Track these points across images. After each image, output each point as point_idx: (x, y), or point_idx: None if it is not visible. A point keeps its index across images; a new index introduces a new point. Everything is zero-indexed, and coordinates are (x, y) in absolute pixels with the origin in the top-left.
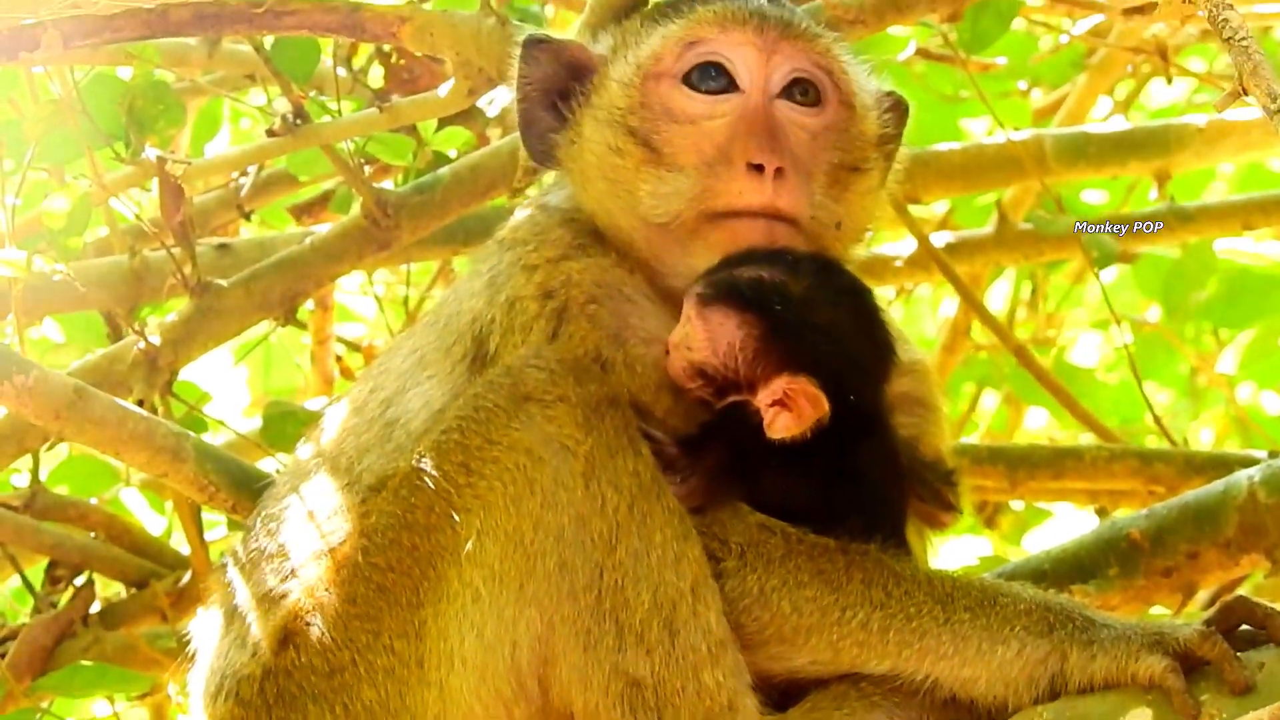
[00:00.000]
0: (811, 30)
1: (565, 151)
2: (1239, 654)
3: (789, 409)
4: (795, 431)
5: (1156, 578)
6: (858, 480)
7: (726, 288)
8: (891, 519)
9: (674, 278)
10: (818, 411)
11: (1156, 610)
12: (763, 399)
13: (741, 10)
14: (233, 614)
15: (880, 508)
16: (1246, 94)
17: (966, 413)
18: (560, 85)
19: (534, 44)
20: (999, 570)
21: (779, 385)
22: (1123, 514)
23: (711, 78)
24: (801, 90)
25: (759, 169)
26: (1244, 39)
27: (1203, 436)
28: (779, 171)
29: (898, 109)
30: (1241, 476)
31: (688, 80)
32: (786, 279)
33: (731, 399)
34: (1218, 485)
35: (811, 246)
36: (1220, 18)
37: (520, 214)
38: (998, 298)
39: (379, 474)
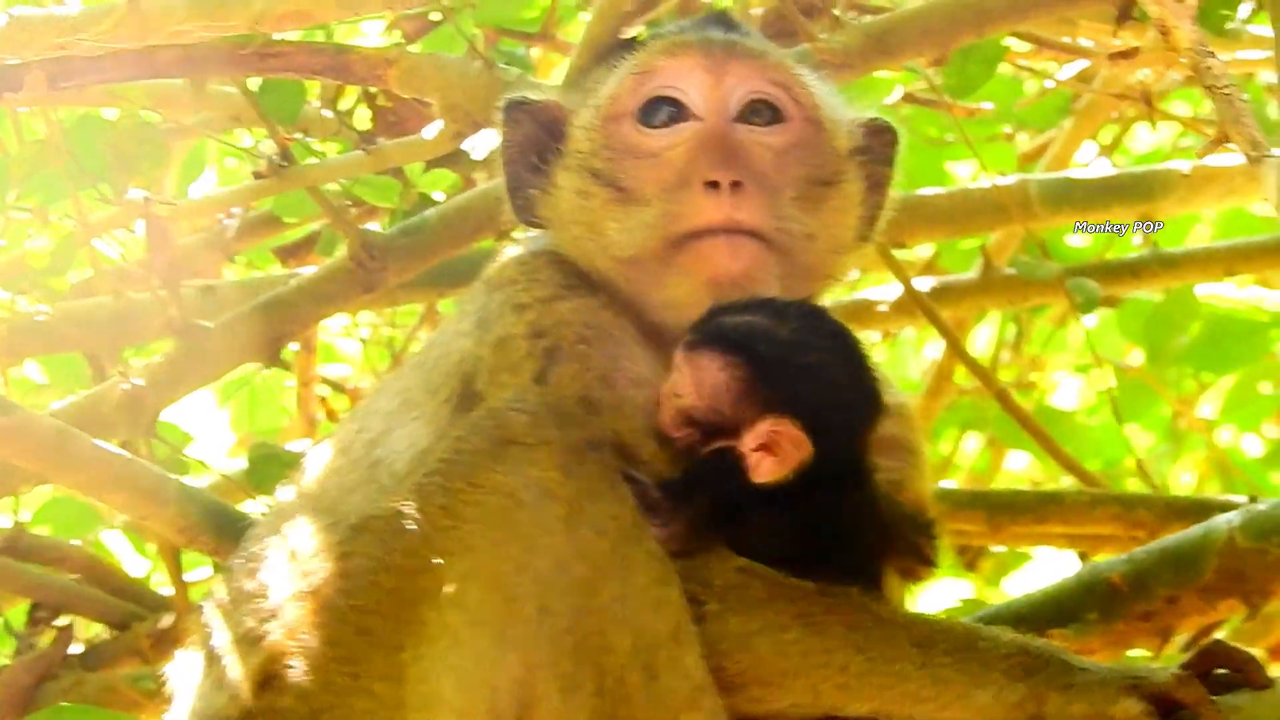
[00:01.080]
0: (762, 49)
1: (542, 204)
2: (1215, 698)
3: (773, 453)
4: (779, 475)
5: (1136, 622)
6: (838, 528)
7: (713, 332)
8: (870, 566)
9: (657, 313)
10: (801, 454)
11: (1135, 654)
12: (747, 443)
13: (688, 38)
14: (212, 655)
15: (859, 555)
16: (1229, 141)
17: (949, 456)
18: (540, 144)
19: (514, 106)
20: (979, 614)
21: (763, 428)
22: (1103, 558)
23: (665, 111)
24: (759, 111)
25: (715, 185)
26: (1226, 87)
27: (1184, 480)
28: (736, 185)
29: (884, 134)
30: (1220, 521)
31: (644, 118)
32: (772, 323)
33: (717, 444)
34: (1197, 530)
35: (784, 263)
36: (1204, 65)
37: (508, 254)
38: (982, 341)
39: (362, 515)
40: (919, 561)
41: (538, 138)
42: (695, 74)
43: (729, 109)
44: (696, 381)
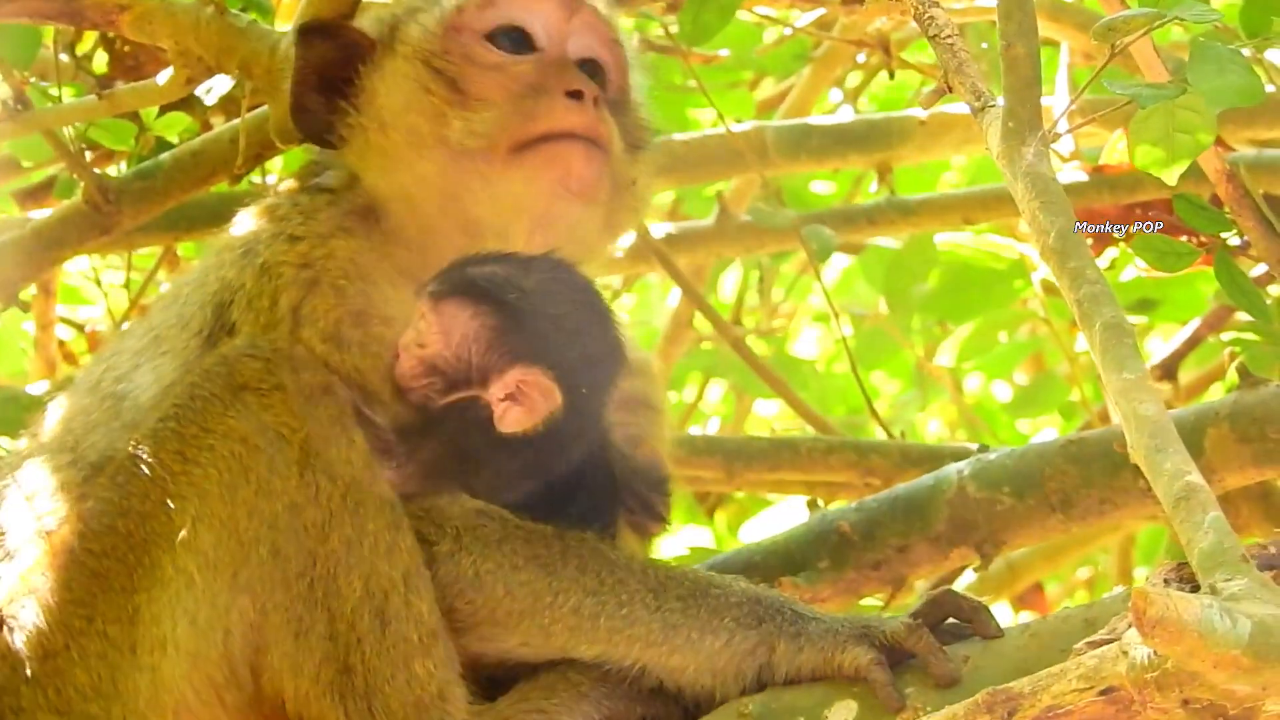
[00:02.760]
0: (609, 14)
1: (349, 124)
2: (945, 647)
3: (520, 403)
4: (527, 425)
5: (866, 570)
6: (572, 481)
7: (460, 281)
8: (602, 519)
9: (463, 238)
10: (550, 405)
11: (869, 603)
12: (495, 392)
13: None
14: None
15: (591, 508)
16: (952, 91)
17: (693, 404)
18: (337, 65)
19: (310, 30)
20: (709, 561)
21: (512, 377)
22: (836, 506)
23: (510, 39)
24: (590, 69)
25: (578, 96)
26: (949, 37)
27: (931, 427)
28: (596, 100)
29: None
30: (951, 470)
31: (489, 38)
32: (520, 273)
33: (460, 394)
34: (928, 479)
35: (612, 201)
36: (926, 15)
37: (283, 191)
38: (729, 288)
39: (103, 451)
40: (651, 518)
41: (335, 60)
42: (547, 11)
43: (568, 51)
44: (444, 330)
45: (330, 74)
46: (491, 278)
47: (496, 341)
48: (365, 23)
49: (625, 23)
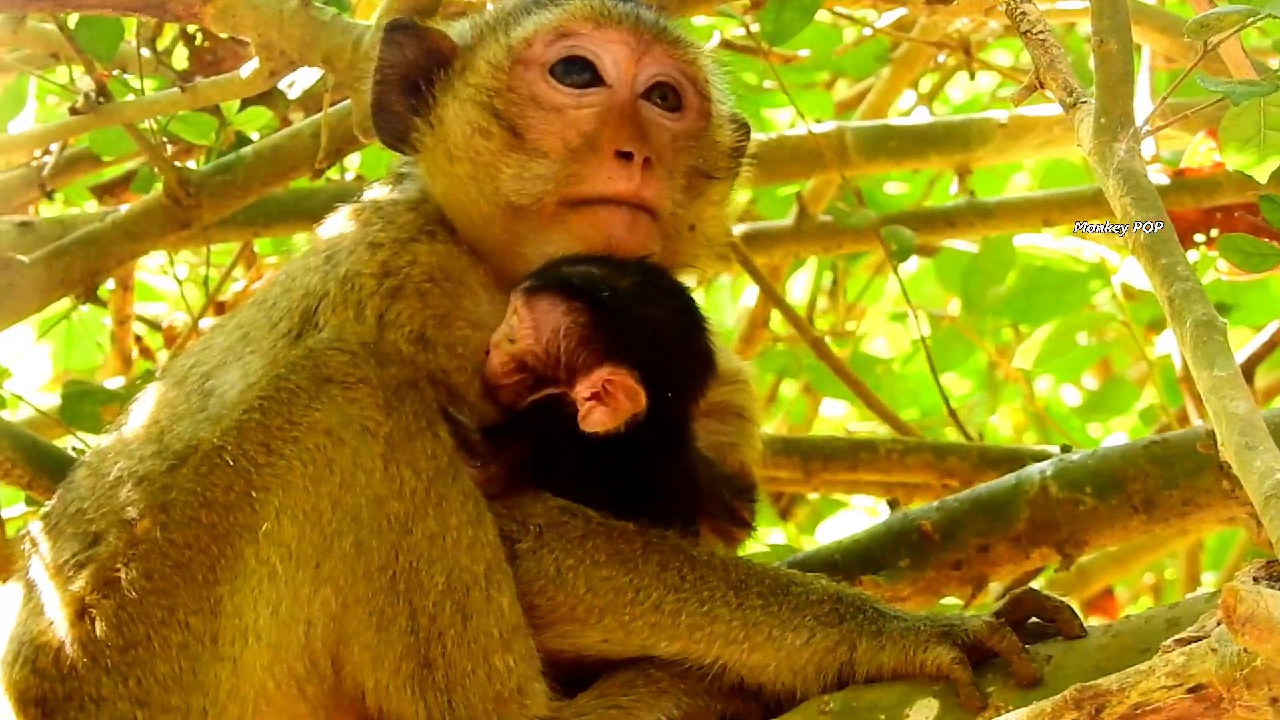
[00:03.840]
0: (682, 38)
1: (422, 135)
2: (1027, 646)
3: (605, 403)
4: (610, 425)
5: (947, 570)
6: (655, 486)
7: (554, 278)
8: (684, 524)
9: (523, 264)
10: (634, 406)
11: (948, 603)
12: (581, 390)
13: (617, 9)
14: (33, 583)
15: (674, 513)
16: (1044, 88)
17: (765, 403)
18: (420, 70)
19: (396, 28)
20: (790, 559)
21: (599, 376)
22: (916, 506)
23: (577, 72)
24: (663, 94)
25: (627, 157)
26: (1041, 33)
27: (1001, 430)
28: (646, 162)
29: (740, 129)
30: (1033, 470)
31: (554, 72)
32: (615, 274)
33: (547, 392)
34: (1009, 479)
35: (667, 249)
36: (1018, 10)
37: (366, 198)
38: (799, 288)
39: (187, 442)
40: (735, 524)
41: (418, 62)
42: (618, 46)
43: (638, 84)
44: (535, 325)
45: (412, 76)
46: (586, 276)
47: (586, 339)
48: (449, 29)
49: (705, 51)
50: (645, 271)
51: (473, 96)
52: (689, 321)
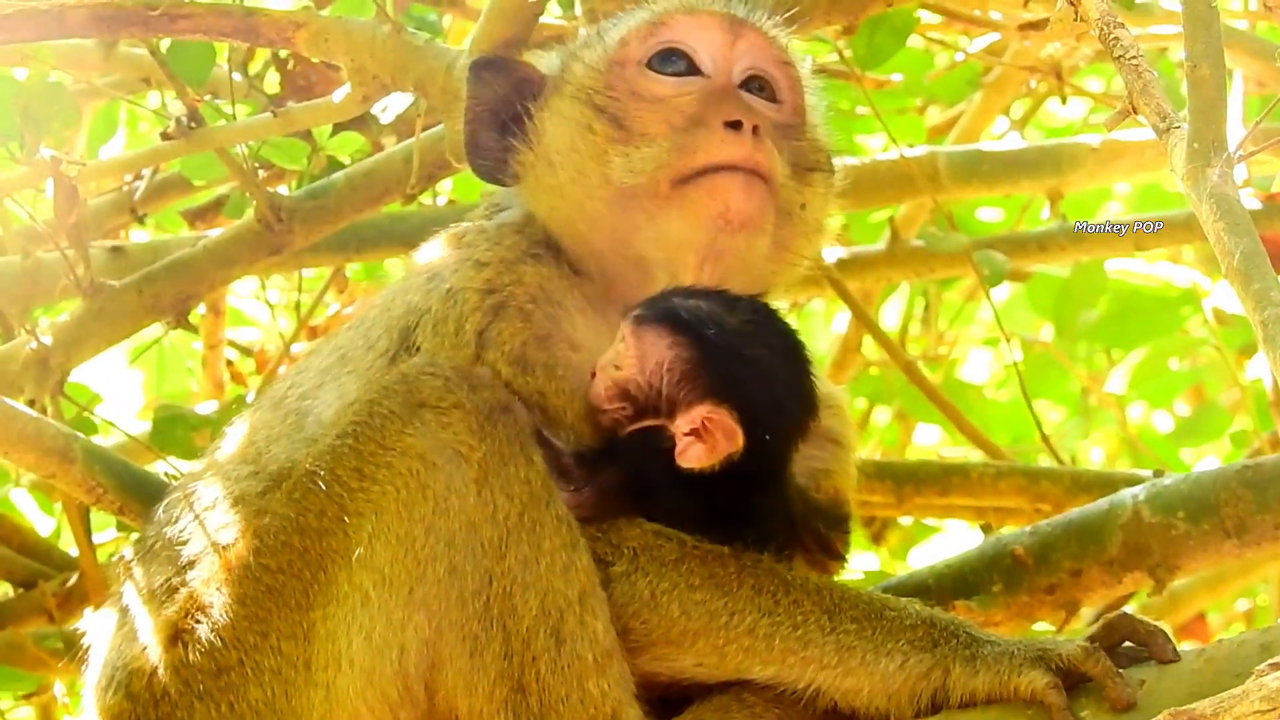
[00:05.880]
0: (774, 31)
1: (521, 160)
2: (1121, 671)
3: (703, 440)
4: (705, 463)
5: (1040, 594)
6: (748, 521)
7: (664, 309)
8: (777, 553)
9: (636, 277)
10: (731, 445)
11: (1040, 628)
12: (680, 425)
13: (709, 2)
14: (127, 608)
15: (765, 545)
16: (1137, 113)
17: (858, 429)
18: (510, 104)
19: (483, 66)
20: (884, 585)
21: (699, 413)
22: (1008, 531)
23: (673, 63)
24: (759, 85)
25: (736, 126)
26: (1134, 58)
27: (1093, 455)
28: (756, 129)
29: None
30: (1126, 495)
31: (651, 65)
32: (724, 311)
33: (646, 423)
34: (1102, 503)
35: (780, 232)
36: (1111, 36)
37: (468, 224)
38: (891, 314)
39: (282, 463)
40: (828, 555)
41: (507, 96)
42: (712, 34)
43: (734, 75)
44: (640, 355)
45: (503, 110)
46: (695, 311)
47: (690, 374)
48: (538, 60)
49: (797, 44)
50: (755, 310)
51: (573, 96)
52: (794, 363)
